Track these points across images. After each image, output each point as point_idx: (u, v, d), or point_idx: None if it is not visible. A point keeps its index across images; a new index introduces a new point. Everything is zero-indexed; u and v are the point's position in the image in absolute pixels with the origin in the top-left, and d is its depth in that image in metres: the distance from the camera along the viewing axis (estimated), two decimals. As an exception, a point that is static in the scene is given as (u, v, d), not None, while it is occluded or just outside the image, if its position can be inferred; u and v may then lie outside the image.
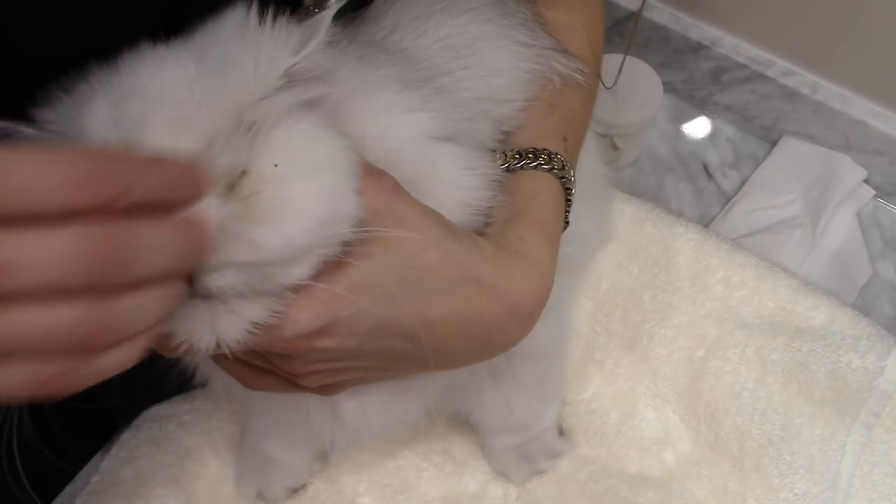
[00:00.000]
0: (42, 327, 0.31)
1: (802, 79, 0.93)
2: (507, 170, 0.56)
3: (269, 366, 0.49)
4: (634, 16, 0.87)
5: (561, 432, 0.76)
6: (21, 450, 0.45)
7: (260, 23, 0.43)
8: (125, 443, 0.74)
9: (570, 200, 0.58)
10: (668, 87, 0.98)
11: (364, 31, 0.56)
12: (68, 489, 0.73)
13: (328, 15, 0.43)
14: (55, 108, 0.42)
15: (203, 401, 0.76)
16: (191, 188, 0.37)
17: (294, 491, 0.74)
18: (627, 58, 0.91)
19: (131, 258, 0.33)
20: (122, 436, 0.74)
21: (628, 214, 0.83)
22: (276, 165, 0.40)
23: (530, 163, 0.56)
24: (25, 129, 0.42)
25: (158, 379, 0.62)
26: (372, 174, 0.45)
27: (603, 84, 0.72)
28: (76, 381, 0.34)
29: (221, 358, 0.47)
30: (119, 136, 0.39)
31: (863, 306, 0.86)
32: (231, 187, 0.39)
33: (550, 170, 0.56)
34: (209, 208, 0.38)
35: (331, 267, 0.43)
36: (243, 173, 0.40)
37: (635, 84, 0.91)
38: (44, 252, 0.30)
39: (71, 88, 0.41)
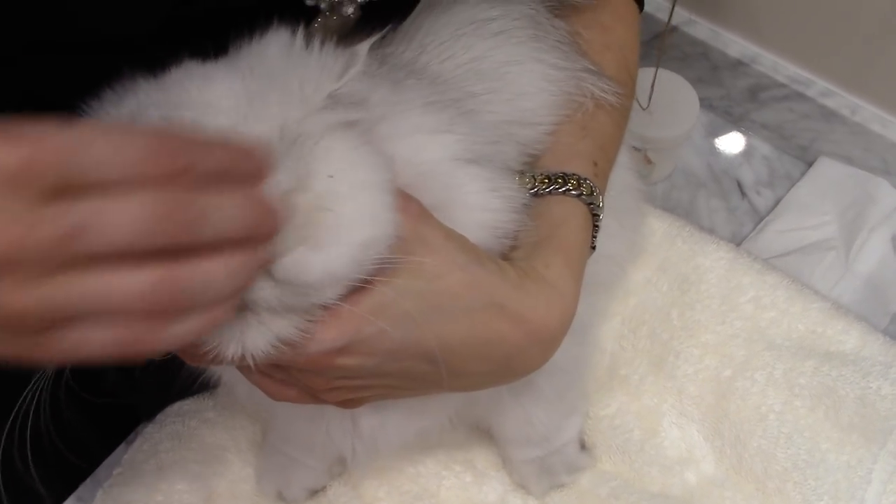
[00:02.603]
0: (117, 290, 0.33)
1: (842, 100, 0.92)
2: (536, 194, 0.56)
3: (291, 379, 0.49)
4: (668, 29, 0.87)
5: (583, 447, 0.76)
6: (42, 444, 0.46)
7: (307, 46, 0.44)
8: (148, 436, 0.74)
9: (597, 226, 0.58)
10: (705, 103, 0.97)
11: (393, 52, 0.57)
12: (91, 480, 0.74)
13: (366, 45, 0.44)
14: (101, 119, 0.43)
15: (226, 398, 0.77)
16: (254, 168, 0.38)
17: (314, 492, 0.74)
18: (665, 72, 0.90)
19: (199, 220, 0.34)
20: (146, 429, 0.75)
21: (659, 230, 0.83)
22: (330, 176, 0.41)
23: (559, 188, 0.56)
24: None
25: (175, 377, 0.63)
26: (399, 198, 0.45)
27: (639, 104, 0.72)
28: (151, 345, 0.35)
29: (246, 369, 0.48)
30: None
31: (894, 333, 0.84)
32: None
33: (579, 195, 0.56)
34: (274, 188, 0.39)
35: (355, 288, 0.43)
36: (295, 190, 0.40)
37: (672, 99, 0.90)
38: (116, 214, 0.32)
39: (116, 103, 0.43)
